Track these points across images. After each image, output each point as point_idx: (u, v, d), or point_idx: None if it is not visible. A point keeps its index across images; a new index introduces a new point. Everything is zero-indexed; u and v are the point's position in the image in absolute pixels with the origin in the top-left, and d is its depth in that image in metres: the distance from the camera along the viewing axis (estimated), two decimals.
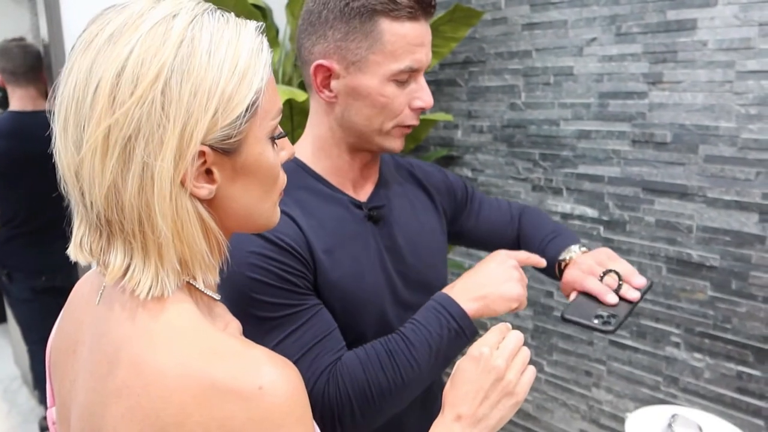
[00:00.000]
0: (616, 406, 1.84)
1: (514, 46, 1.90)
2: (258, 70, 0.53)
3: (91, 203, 0.51)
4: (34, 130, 2.26)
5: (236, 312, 0.78)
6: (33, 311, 2.44)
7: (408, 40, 0.82)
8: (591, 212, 1.80)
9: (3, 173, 2.27)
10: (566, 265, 0.98)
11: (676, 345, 1.68)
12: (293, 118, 1.70)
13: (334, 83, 0.85)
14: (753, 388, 1.54)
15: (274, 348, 0.76)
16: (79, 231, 0.55)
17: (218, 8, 0.55)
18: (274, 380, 0.49)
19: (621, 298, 0.87)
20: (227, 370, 0.49)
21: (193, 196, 0.52)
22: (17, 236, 2.35)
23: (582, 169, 1.80)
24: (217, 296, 0.59)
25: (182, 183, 0.51)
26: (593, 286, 0.89)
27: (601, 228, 1.78)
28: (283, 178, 0.61)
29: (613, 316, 0.84)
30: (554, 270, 1.01)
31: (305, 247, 0.82)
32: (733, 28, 1.46)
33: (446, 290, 0.85)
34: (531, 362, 2.24)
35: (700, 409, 1.62)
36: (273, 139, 0.58)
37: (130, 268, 0.52)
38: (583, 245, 1.00)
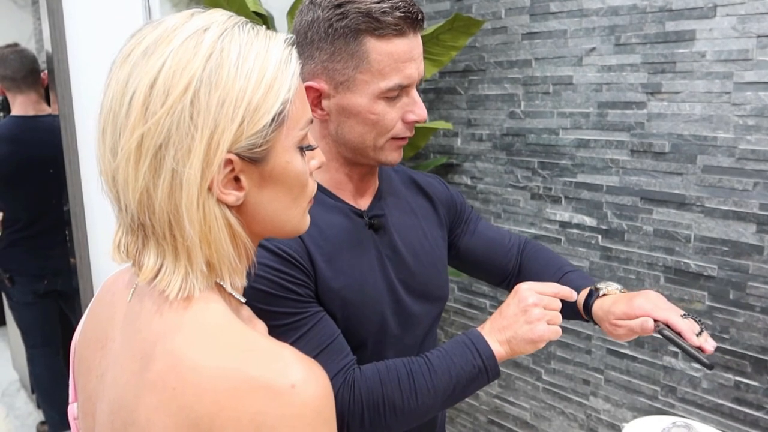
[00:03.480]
0: (614, 415, 1.84)
1: (514, 55, 1.91)
2: (285, 80, 0.55)
3: (126, 206, 0.54)
4: (37, 135, 2.27)
5: None
6: (34, 315, 2.46)
7: (395, 57, 0.81)
8: (589, 221, 1.81)
9: (6, 177, 2.29)
10: (600, 297, 0.94)
11: (674, 354, 1.68)
12: None
13: (324, 102, 0.85)
14: (751, 399, 1.55)
15: None
16: (117, 234, 0.57)
17: (248, 21, 0.57)
18: (306, 379, 0.51)
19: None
20: (261, 368, 0.50)
21: (221, 202, 0.54)
22: (19, 240, 2.37)
23: (581, 178, 1.81)
24: (243, 299, 0.62)
25: (210, 189, 0.53)
26: (678, 321, 0.84)
27: (600, 237, 1.79)
28: (312, 186, 0.63)
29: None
30: (580, 305, 0.97)
31: (306, 256, 0.83)
32: (731, 40, 1.47)
33: (479, 329, 0.85)
34: (528, 370, 2.21)
35: (697, 419, 1.62)
36: (302, 149, 0.59)
37: (161, 269, 0.54)
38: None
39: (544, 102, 1.86)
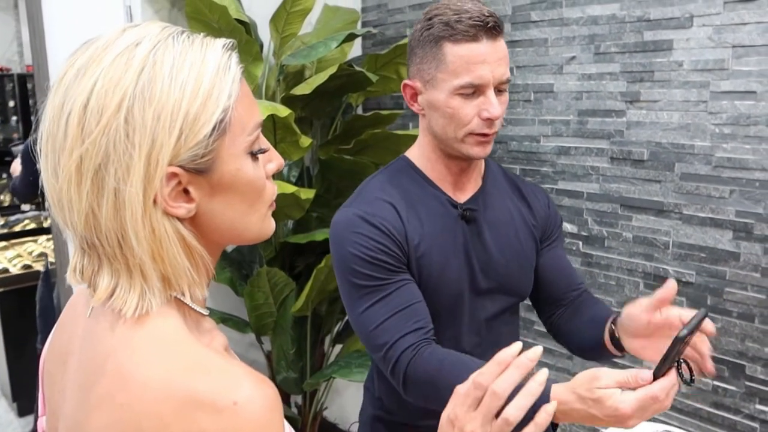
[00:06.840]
0: None
1: None
2: (224, 88, 0.53)
3: (74, 228, 0.53)
4: None
5: (340, 279, 0.99)
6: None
7: (466, 59, 0.93)
8: (570, 228, 1.82)
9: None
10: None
11: (654, 360, 1.70)
12: (276, 133, 1.71)
13: (419, 98, 1.01)
14: (728, 403, 1.57)
15: (364, 311, 0.96)
16: (75, 257, 0.56)
17: (185, 31, 0.55)
18: (250, 396, 0.50)
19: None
20: (207, 384, 0.50)
21: (171, 216, 0.53)
22: None
23: (561, 185, 1.83)
24: (205, 311, 0.60)
25: (155, 204, 0.52)
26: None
27: (580, 243, 1.81)
28: (270, 191, 0.61)
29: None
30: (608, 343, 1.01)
31: (403, 234, 0.98)
32: (707, 50, 1.49)
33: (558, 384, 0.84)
34: None
35: (676, 423, 1.63)
36: (254, 154, 0.58)
37: (117, 289, 0.53)
38: None
39: (525, 110, 1.88)
